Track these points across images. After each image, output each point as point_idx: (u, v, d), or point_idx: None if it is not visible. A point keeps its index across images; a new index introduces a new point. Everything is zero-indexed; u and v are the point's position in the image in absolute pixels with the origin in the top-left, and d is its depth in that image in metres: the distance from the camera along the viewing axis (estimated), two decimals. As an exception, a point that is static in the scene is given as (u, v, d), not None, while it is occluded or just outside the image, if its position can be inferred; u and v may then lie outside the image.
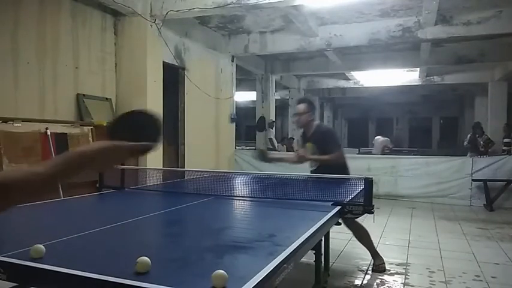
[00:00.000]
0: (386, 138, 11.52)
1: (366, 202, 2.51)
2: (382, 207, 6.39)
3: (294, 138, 12.80)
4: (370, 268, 3.61)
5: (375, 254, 3.62)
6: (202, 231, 2.01)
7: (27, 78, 4.34)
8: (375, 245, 4.20)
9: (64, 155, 0.91)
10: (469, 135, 9.99)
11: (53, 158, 0.94)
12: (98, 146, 0.96)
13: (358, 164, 7.85)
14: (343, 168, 3.58)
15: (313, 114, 3.74)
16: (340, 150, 3.68)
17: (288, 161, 4.12)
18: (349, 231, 3.80)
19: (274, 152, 9.37)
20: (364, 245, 3.63)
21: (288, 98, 13.76)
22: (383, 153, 10.55)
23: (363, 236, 3.60)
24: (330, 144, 3.60)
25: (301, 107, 3.71)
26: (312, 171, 3.74)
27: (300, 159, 3.79)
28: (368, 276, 3.44)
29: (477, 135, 10.23)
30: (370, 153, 11.53)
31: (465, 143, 9.92)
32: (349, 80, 12.75)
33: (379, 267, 3.55)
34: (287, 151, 11.37)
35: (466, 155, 8.42)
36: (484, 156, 8.46)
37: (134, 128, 1.05)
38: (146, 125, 1.08)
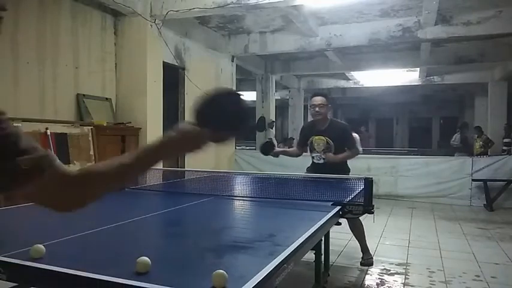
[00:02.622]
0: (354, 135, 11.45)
1: (366, 202, 2.51)
2: (382, 207, 6.39)
3: (294, 138, 12.81)
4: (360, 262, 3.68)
5: (365, 249, 3.71)
6: (202, 231, 2.01)
7: (27, 78, 4.34)
8: (375, 245, 4.22)
9: (148, 147, 0.97)
10: (457, 135, 9.98)
11: (137, 149, 0.98)
12: (180, 135, 0.99)
13: (358, 164, 7.83)
14: (346, 164, 3.79)
15: (329, 108, 3.83)
16: (358, 147, 3.92)
17: (292, 155, 4.16)
18: (349, 232, 3.81)
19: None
20: (356, 238, 3.72)
21: (288, 98, 13.76)
22: None
23: (358, 230, 3.68)
24: (350, 141, 3.78)
25: (322, 99, 3.77)
26: (318, 165, 3.76)
27: (301, 151, 3.96)
28: (368, 276, 3.44)
29: (476, 136, 10.25)
30: (370, 153, 11.54)
31: (454, 143, 9.90)
32: (349, 80, 12.75)
33: (367, 261, 3.64)
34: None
35: (464, 156, 8.41)
36: (484, 156, 8.47)
37: (220, 113, 1.01)
38: (233, 110, 1.03)
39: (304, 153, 4.10)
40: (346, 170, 3.77)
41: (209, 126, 0.99)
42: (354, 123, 21.47)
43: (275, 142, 10.88)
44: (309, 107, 4.00)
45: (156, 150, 0.97)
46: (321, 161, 3.74)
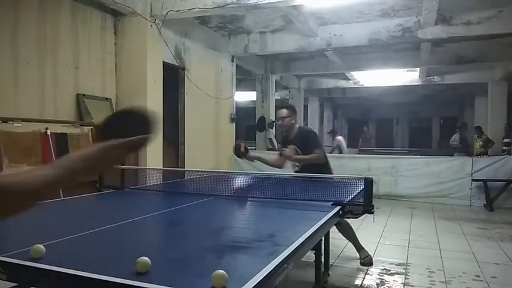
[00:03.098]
0: (339, 137, 11.50)
1: (366, 202, 2.50)
2: (382, 207, 6.39)
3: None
4: (359, 262, 3.71)
5: (359, 248, 3.76)
6: (202, 231, 2.01)
7: (27, 78, 4.34)
8: (375, 245, 4.22)
9: (67, 159, 0.91)
10: (456, 135, 9.97)
11: (55, 161, 0.92)
12: (98, 147, 0.95)
13: (358, 164, 7.88)
14: (326, 168, 3.77)
15: (294, 118, 3.96)
16: (321, 150, 3.88)
17: (269, 163, 4.19)
18: (343, 237, 3.81)
19: (256, 150, 9.41)
20: (349, 239, 3.79)
21: (288, 98, 13.75)
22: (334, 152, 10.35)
23: (347, 231, 3.74)
24: (311, 144, 3.81)
25: (284, 111, 3.95)
26: (295, 172, 3.86)
27: (282, 161, 3.98)
28: (368, 276, 3.44)
29: (476, 136, 10.25)
30: (370, 153, 11.55)
31: (454, 143, 9.90)
32: (349, 80, 12.75)
33: (365, 259, 3.68)
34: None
35: (463, 156, 8.41)
36: (484, 156, 8.47)
37: (125, 126, 1.03)
38: (137, 120, 1.06)
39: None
40: (326, 172, 3.77)
41: (117, 136, 0.99)
42: (354, 123, 21.56)
43: (275, 142, 10.90)
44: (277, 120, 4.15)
45: (78, 163, 0.91)
46: (296, 169, 3.88)
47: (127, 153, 1.03)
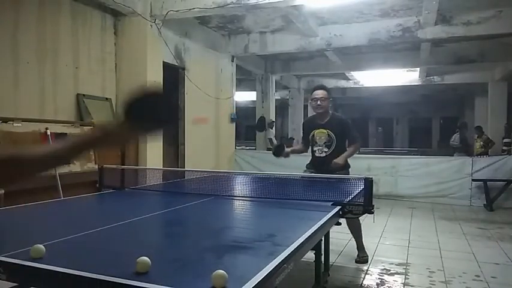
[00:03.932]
0: None
1: (366, 202, 2.50)
2: (382, 207, 6.39)
3: (293, 139, 12.81)
4: (355, 260, 3.76)
5: (360, 248, 3.79)
6: (202, 231, 2.01)
7: (27, 78, 4.34)
8: (375, 245, 4.22)
9: (70, 141, 1.05)
10: (456, 135, 9.98)
11: (61, 140, 1.09)
12: (98, 133, 1.07)
13: (358, 164, 7.84)
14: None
15: (331, 101, 3.85)
16: (360, 140, 3.91)
17: (300, 151, 4.12)
18: (349, 232, 3.82)
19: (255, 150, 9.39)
20: (354, 236, 3.81)
21: (288, 98, 13.76)
22: None
23: (355, 227, 3.76)
24: (352, 134, 3.81)
25: (323, 92, 3.80)
26: (319, 158, 3.75)
27: (337, 167, 3.66)
28: (368, 276, 3.44)
29: (476, 136, 10.25)
30: (369, 153, 11.55)
31: (454, 143, 9.90)
32: (349, 80, 12.75)
33: (362, 258, 3.73)
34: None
35: (463, 156, 8.41)
36: (484, 156, 8.47)
37: (144, 109, 1.07)
38: (157, 106, 1.10)
39: (304, 153, 4.09)
40: (346, 166, 3.76)
41: (135, 120, 1.06)
42: (354, 123, 21.54)
43: (275, 142, 10.90)
44: (309, 101, 3.98)
45: (83, 142, 1.07)
46: (323, 154, 3.75)
47: (129, 139, 1.19)
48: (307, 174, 3.78)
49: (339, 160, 3.63)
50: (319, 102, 3.76)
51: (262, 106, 10.91)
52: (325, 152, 3.74)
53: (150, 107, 1.08)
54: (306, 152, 4.01)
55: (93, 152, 4.55)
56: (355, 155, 3.90)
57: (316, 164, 3.78)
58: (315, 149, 3.83)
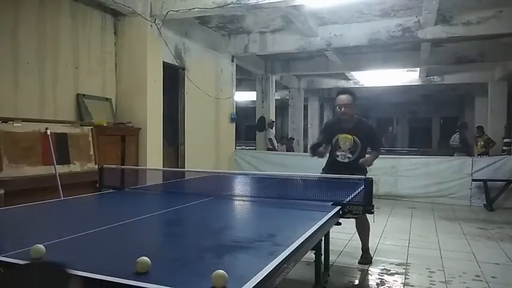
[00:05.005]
0: None
1: (366, 202, 2.50)
2: (382, 207, 6.39)
3: (293, 139, 12.81)
4: (358, 261, 3.74)
5: (365, 249, 3.77)
6: (202, 231, 2.01)
7: (27, 78, 4.34)
8: (375, 245, 4.22)
9: None
10: (456, 135, 9.99)
11: None
12: None
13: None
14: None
15: (355, 106, 3.70)
16: (379, 148, 3.95)
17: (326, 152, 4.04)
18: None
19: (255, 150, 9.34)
20: (360, 236, 3.77)
21: (288, 98, 13.76)
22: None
23: (364, 228, 3.73)
24: (377, 141, 3.87)
25: (348, 97, 3.65)
26: (341, 164, 3.65)
27: (366, 164, 3.70)
28: (368, 276, 3.44)
29: (477, 136, 10.25)
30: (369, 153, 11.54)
31: (454, 143, 9.91)
32: (349, 80, 12.76)
33: (365, 259, 3.71)
34: (287, 151, 11.37)
35: (463, 156, 8.40)
36: (484, 156, 8.47)
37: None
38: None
39: (304, 153, 4.07)
40: (364, 170, 3.69)
41: None
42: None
43: (275, 142, 10.91)
44: (335, 106, 3.81)
45: None
46: (346, 160, 3.66)
47: None
48: (307, 174, 3.77)
49: (366, 161, 3.61)
50: (343, 109, 3.63)
51: (262, 106, 10.91)
52: (349, 158, 3.65)
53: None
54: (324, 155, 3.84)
55: (94, 151, 4.55)
56: None
57: (337, 170, 3.42)
58: (337, 153, 3.70)
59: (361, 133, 3.65)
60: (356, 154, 3.64)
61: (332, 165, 3.71)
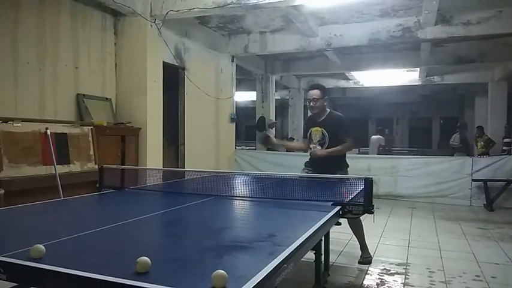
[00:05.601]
0: (379, 137, 11.55)
1: (366, 202, 2.50)
2: (382, 207, 6.40)
3: (293, 139, 12.81)
4: (359, 260, 3.77)
5: (363, 248, 3.81)
6: (202, 231, 2.01)
7: (27, 78, 4.34)
8: (375, 245, 4.22)
9: None
10: (456, 135, 9.99)
11: None
12: None
13: (358, 164, 7.85)
14: (344, 158, 3.80)
15: (326, 100, 3.82)
16: (351, 139, 3.78)
17: (294, 148, 4.16)
18: (349, 232, 3.82)
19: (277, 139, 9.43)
20: (356, 236, 3.82)
21: (288, 98, 13.76)
22: (378, 152, 10.59)
23: (359, 230, 3.79)
24: (343, 132, 3.73)
25: (317, 92, 3.78)
26: (312, 159, 3.79)
27: (306, 146, 3.88)
28: (368, 276, 3.44)
29: (477, 136, 10.25)
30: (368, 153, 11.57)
31: (454, 143, 9.91)
32: (349, 80, 12.75)
33: (365, 259, 3.75)
34: (287, 151, 11.37)
35: (463, 156, 8.40)
36: (484, 156, 8.46)
37: None
38: None
39: (304, 153, 4.10)
40: (343, 166, 3.77)
41: None
42: (354, 123, 21.55)
43: (274, 140, 10.90)
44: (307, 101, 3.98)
45: None
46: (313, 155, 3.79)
47: None
48: (306, 174, 3.78)
49: (319, 151, 3.69)
50: (311, 103, 3.80)
51: (262, 106, 10.91)
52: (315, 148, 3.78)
53: None
54: (307, 149, 4.00)
55: (94, 151, 4.55)
56: (354, 155, 3.90)
57: (313, 163, 3.83)
58: (310, 146, 3.85)
59: (328, 125, 3.74)
60: (325, 146, 3.73)
61: (310, 159, 3.88)
